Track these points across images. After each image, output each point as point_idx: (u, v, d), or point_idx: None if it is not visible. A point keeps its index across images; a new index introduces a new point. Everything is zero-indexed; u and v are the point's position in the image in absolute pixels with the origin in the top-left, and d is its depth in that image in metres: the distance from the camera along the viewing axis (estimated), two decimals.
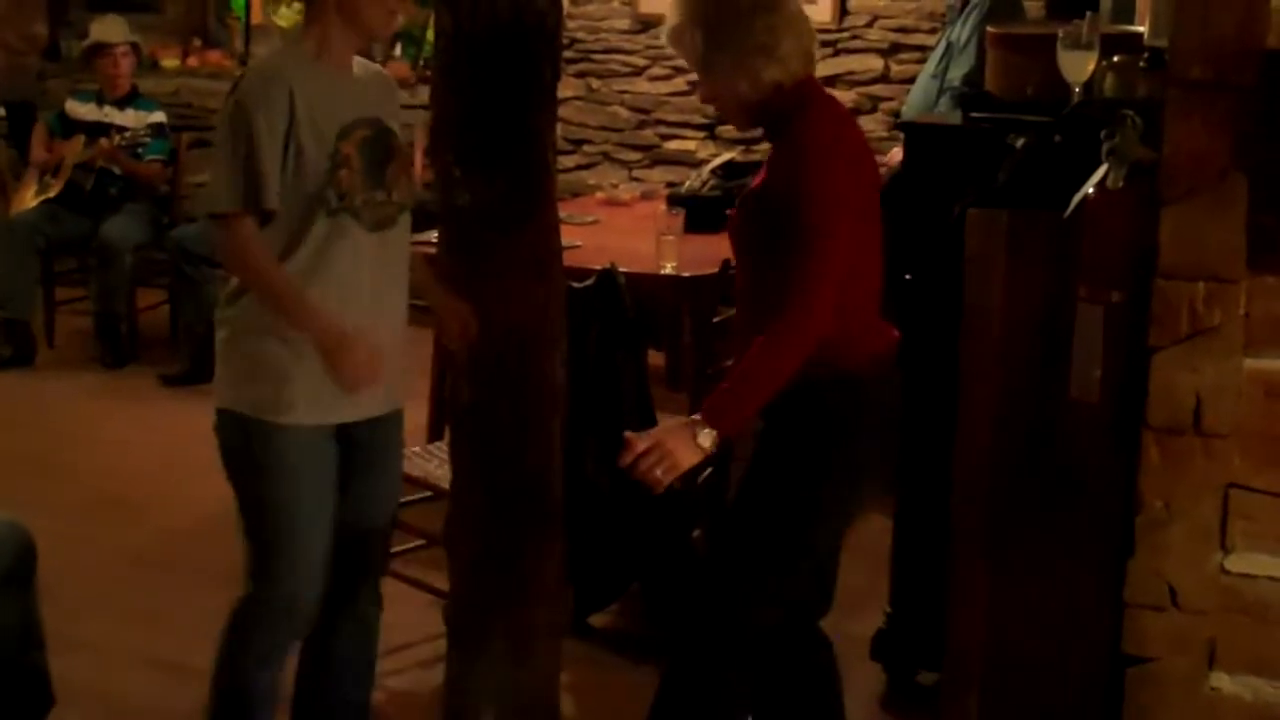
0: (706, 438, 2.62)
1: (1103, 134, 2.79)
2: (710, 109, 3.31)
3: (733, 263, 3.02)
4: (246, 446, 2.94)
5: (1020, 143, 3.19)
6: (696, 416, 2.65)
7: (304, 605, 2.99)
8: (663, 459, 2.61)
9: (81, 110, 6.86)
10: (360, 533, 3.09)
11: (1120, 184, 2.75)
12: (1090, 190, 2.78)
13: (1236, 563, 2.74)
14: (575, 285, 3.80)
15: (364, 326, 2.91)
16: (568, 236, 3.67)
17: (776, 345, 2.66)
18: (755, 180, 2.89)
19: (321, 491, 2.95)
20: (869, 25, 7.01)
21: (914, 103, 5.54)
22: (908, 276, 3.54)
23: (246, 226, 2.84)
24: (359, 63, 3.03)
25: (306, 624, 3.04)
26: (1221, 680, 2.78)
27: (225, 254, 2.93)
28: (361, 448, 3.05)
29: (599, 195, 6.59)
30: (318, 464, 2.95)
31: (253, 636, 3.02)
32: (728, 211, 2.99)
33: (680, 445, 2.62)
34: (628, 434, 2.65)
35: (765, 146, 3.00)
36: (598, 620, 4.11)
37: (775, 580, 2.87)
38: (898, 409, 2.90)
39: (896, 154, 4.91)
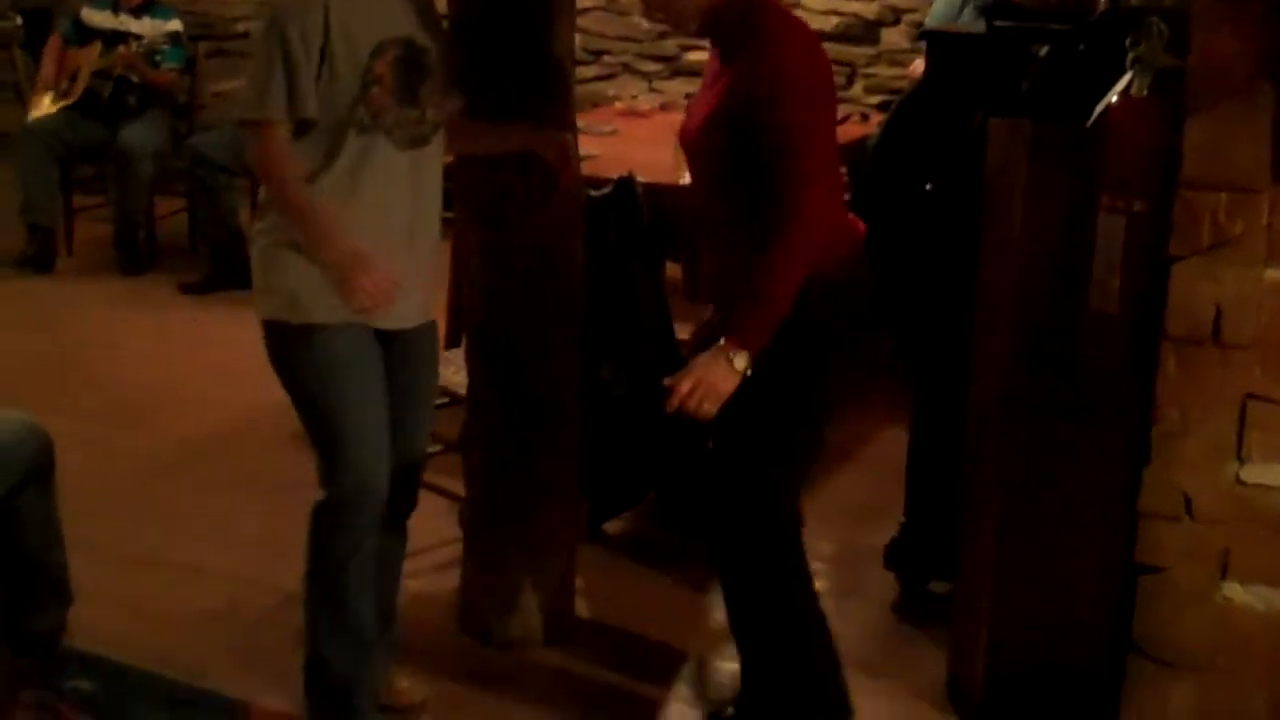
0: (740, 359, 2.71)
1: (1128, 42, 2.76)
2: None
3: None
4: (290, 351, 2.96)
5: (1044, 52, 3.16)
6: (724, 343, 2.72)
7: (370, 498, 3.00)
8: (707, 393, 2.71)
9: (97, 18, 6.82)
10: (396, 437, 3.10)
11: (1144, 92, 2.72)
12: (1114, 99, 2.76)
13: (1252, 473, 2.74)
14: (593, 193, 3.79)
15: (398, 243, 2.92)
16: (585, 147, 3.66)
17: (784, 254, 2.70)
18: (710, 97, 2.88)
19: (369, 384, 2.97)
20: None
21: (937, 13, 5.47)
22: (929, 186, 3.53)
23: (279, 135, 2.84)
24: None
25: (377, 518, 3.05)
26: (1234, 590, 2.79)
27: (256, 160, 2.93)
28: (396, 356, 3.06)
29: (618, 106, 6.58)
30: (361, 358, 2.96)
31: (332, 538, 3.04)
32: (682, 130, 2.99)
33: (718, 375, 2.72)
34: (667, 380, 2.74)
35: None
36: (612, 527, 4.14)
37: (785, 465, 2.94)
38: (871, 300, 2.95)
39: (918, 65, 4.86)
